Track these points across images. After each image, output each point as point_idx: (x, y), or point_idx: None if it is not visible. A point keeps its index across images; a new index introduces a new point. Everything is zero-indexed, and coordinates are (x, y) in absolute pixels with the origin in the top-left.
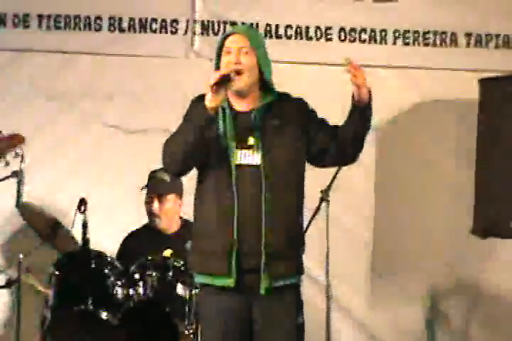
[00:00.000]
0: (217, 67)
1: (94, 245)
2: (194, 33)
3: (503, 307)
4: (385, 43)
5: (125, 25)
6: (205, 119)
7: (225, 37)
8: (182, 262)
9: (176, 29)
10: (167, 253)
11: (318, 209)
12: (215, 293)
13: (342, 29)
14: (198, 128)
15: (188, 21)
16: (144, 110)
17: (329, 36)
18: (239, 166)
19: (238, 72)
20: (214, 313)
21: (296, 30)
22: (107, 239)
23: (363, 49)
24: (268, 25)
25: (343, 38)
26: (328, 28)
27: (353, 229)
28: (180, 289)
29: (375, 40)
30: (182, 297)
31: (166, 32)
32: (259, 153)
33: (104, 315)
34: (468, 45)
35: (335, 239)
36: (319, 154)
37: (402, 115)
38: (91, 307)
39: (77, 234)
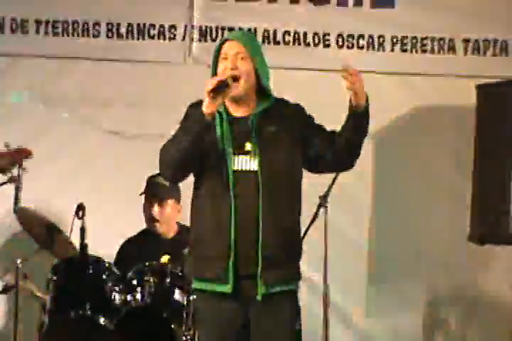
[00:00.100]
0: (214, 73)
1: (92, 250)
2: (192, 39)
3: (501, 313)
4: (383, 49)
5: (123, 31)
6: (201, 125)
7: (222, 43)
8: (179, 268)
9: (174, 35)
10: (164, 259)
11: (316, 215)
12: (212, 298)
13: (340, 35)
14: (194, 134)
15: (185, 27)
16: (141, 116)
17: (327, 42)
18: (236, 172)
19: (235, 78)
20: (211, 319)
21: (294, 36)
22: (104, 245)
23: (361, 55)
24: (266, 31)
25: (340, 44)
26: (326, 34)
27: (351, 236)
28: (177, 295)
29: (373, 47)
30: (179, 303)
31: (164, 38)
32: (256, 158)
33: (101, 320)
34: (465, 51)
35: (333, 246)
36: (316, 160)
37: (399, 121)
38: (88, 313)
39: (75, 239)
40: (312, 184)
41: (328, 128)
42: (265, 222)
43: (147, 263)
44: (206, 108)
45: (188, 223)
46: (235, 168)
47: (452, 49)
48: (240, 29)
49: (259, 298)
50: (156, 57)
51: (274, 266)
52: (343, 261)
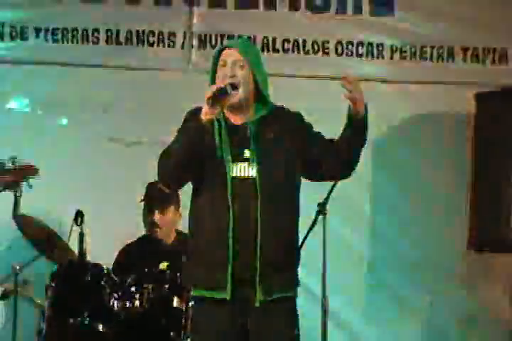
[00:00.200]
0: (213, 81)
1: (91, 257)
2: (191, 46)
3: (500, 322)
4: (382, 57)
5: (122, 38)
6: (199, 132)
7: (220, 50)
8: (178, 275)
9: (174, 42)
10: (163, 266)
11: (315, 222)
12: (211, 305)
13: (339, 43)
14: (192, 142)
15: (185, 34)
16: (140, 122)
17: (326, 50)
18: (234, 179)
19: (234, 86)
20: (209, 326)
21: (293, 44)
22: (103, 251)
23: (360, 63)
24: (265, 38)
25: (340, 51)
26: (325, 42)
27: (349, 243)
28: (176, 302)
29: (372, 54)
30: (178, 309)
31: (164, 45)
32: (254, 165)
33: (100, 327)
34: (464, 59)
35: (332, 253)
36: (315, 168)
37: (398, 129)
38: (87, 319)
39: (74, 246)
40: (311, 191)
41: (327, 136)
42: (264, 229)
43: (146, 270)
44: (205, 115)
45: (186, 230)
46: (234, 175)
47: (451, 57)
48: (239, 36)
49: (257, 304)
50: (156, 64)
51: (272, 272)
52: (341, 268)
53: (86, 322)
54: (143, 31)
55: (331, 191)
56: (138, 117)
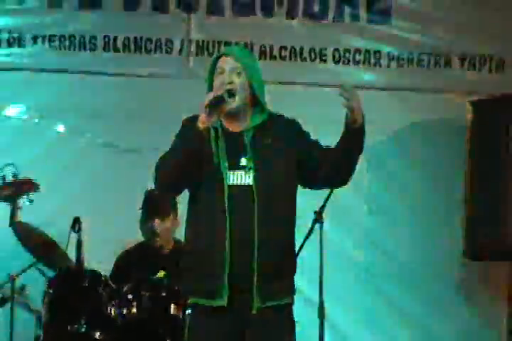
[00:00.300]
0: (210, 88)
1: (88, 264)
2: (189, 53)
3: (497, 329)
4: (380, 65)
5: (120, 44)
6: (196, 140)
7: (217, 58)
8: (175, 282)
9: (171, 49)
10: (160, 273)
11: (311, 230)
12: (208, 313)
13: (336, 50)
14: (189, 150)
15: (182, 41)
16: (137, 129)
17: (324, 57)
18: (231, 186)
19: (231, 93)
20: (207, 333)
21: (290, 51)
22: (101, 258)
23: (357, 70)
24: (263, 45)
25: (337, 59)
26: (322, 49)
27: (346, 250)
28: (173, 309)
29: (369, 62)
30: (175, 317)
31: (161, 52)
32: (251, 173)
33: (97, 334)
34: (461, 67)
35: (328, 260)
36: (311, 175)
37: (395, 137)
38: (84, 326)
39: (72, 253)
40: (307, 199)
41: (325, 143)
42: (260, 236)
43: (143, 278)
44: (202, 123)
45: (182, 237)
46: (231, 182)
47: (448, 65)
48: (237, 44)
49: (254, 312)
50: (153, 71)
51: (269, 279)
52: (338, 275)
53: (83, 329)
54: (140, 38)
55: (327, 199)
56: (135, 124)
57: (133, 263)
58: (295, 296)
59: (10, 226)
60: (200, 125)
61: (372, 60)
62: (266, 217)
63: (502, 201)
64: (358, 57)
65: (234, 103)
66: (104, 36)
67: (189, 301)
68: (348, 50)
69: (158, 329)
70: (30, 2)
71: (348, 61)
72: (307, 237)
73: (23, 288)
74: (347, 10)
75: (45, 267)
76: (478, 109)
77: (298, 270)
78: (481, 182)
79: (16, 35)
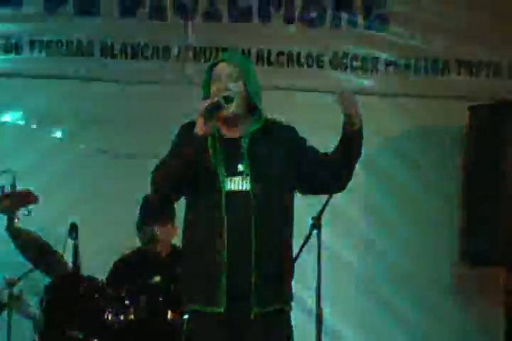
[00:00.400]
0: (206, 94)
1: (85, 270)
2: (186, 60)
3: (490, 332)
4: (377, 71)
5: (117, 50)
6: (193, 146)
7: (214, 64)
8: (173, 287)
9: (169, 55)
10: (156, 279)
11: (309, 235)
12: (205, 319)
13: (333, 56)
14: (186, 156)
15: (180, 48)
16: (135, 135)
17: (321, 63)
18: (228, 193)
19: (228, 100)
20: (204, 339)
21: (287, 57)
22: (97, 264)
23: (355, 76)
24: (260, 51)
25: (334, 65)
26: (319, 55)
27: (344, 257)
28: (170, 315)
29: (367, 68)
30: (173, 323)
31: (158, 58)
32: (248, 179)
33: (94, 340)
34: (459, 73)
35: (326, 266)
36: (308, 181)
37: (392, 143)
38: (81, 332)
39: (68, 258)
40: (305, 205)
41: (322, 149)
42: (258, 243)
43: (140, 283)
44: (199, 130)
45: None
46: (228, 188)
47: (445, 71)
48: (234, 50)
49: (252, 317)
50: (150, 77)
51: (267, 285)
52: (335, 281)
53: (80, 335)
54: (138, 44)
55: (325, 205)
56: (132, 130)
57: (130, 268)
58: (293, 302)
59: (7, 231)
60: (198, 131)
61: (370, 66)
62: (263, 223)
63: (498, 206)
64: (355, 63)
65: (231, 109)
66: (102, 42)
67: (187, 307)
68: (345, 56)
69: (155, 335)
70: (27, 8)
71: (346, 67)
72: (305, 243)
73: (20, 294)
74: (344, 16)
75: (42, 273)
76: (476, 114)
77: (295, 275)
78: (478, 187)
79: (13, 41)
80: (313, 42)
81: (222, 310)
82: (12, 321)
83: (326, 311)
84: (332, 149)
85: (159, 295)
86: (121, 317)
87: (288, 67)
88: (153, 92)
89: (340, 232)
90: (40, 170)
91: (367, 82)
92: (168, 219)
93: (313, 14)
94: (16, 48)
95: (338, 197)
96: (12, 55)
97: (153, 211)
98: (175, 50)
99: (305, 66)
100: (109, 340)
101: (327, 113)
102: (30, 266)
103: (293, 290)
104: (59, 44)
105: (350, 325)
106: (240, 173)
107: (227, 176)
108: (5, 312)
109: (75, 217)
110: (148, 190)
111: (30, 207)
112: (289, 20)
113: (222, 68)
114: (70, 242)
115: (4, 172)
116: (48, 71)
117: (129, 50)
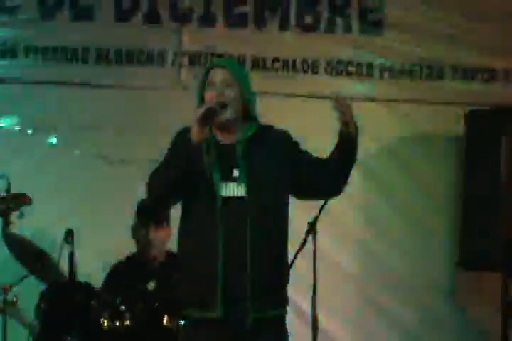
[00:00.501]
0: (201, 100)
1: (81, 276)
2: (181, 65)
3: (488, 337)
4: (372, 76)
5: (112, 56)
6: (189, 153)
7: (208, 70)
8: (168, 293)
9: (164, 61)
10: (151, 285)
11: (305, 241)
12: (202, 325)
13: (329, 62)
14: (182, 162)
15: (175, 53)
16: (130, 141)
17: (316, 69)
18: (223, 198)
19: (222, 105)
20: None
21: (283, 63)
22: (93, 270)
23: (350, 82)
24: (255, 57)
25: (329, 70)
26: (315, 61)
27: (339, 262)
28: (166, 321)
29: (362, 73)
30: (168, 328)
31: (153, 64)
32: (243, 185)
33: None
34: (454, 78)
35: (322, 271)
36: (303, 187)
37: (388, 148)
38: (77, 339)
39: (64, 265)
40: (301, 210)
41: (318, 154)
42: (253, 248)
43: (136, 289)
44: (195, 136)
45: (174, 248)
46: (223, 194)
47: (441, 76)
48: (230, 55)
49: (249, 322)
50: (145, 83)
51: (262, 291)
52: (331, 286)
53: None
54: (133, 50)
55: (321, 210)
56: (127, 136)
57: (125, 274)
58: (288, 307)
59: (2, 237)
60: (193, 137)
61: (365, 72)
62: (259, 228)
63: (495, 212)
64: (350, 68)
65: (226, 115)
66: (97, 48)
67: (183, 313)
68: (340, 62)
69: (151, 340)
70: (23, 14)
71: (341, 72)
72: (300, 248)
73: (15, 300)
74: (339, 22)
75: (37, 279)
76: (474, 119)
77: (291, 281)
78: (475, 193)
79: (8, 47)
80: (309, 48)
81: (218, 315)
82: (7, 327)
83: (321, 317)
84: (327, 155)
85: (155, 302)
86: (117, 323)
87: (283, 72)
88: (148, 98)
89: (336, 238)
90: (34, 176)
91: (362, 88)
92: (163, 219)
93: (309, 20)
94: (12, 54)
95: (333, 203)
96: (7, 61)
97: (147, 214)
98: (170, 56)
99: (300, 72)
100: None
101: (322, 118)
102: (25, 272)
103: (288, 296)
104: (54, 50)
105: (346, 331)
106: (235, 179)
107: (222, 182)
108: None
109: (70, 222)
110: (143, 195)
111: (23, 208)
112: (284, 25)
113: (217, 74)
114: (66, 248)
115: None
116: (43, 77)
117: (124, 55)
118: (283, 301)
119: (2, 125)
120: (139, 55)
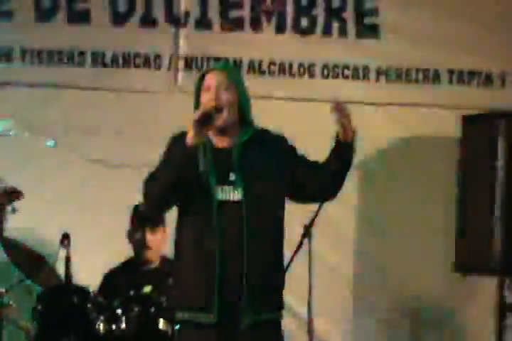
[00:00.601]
0: (197, 104)
1: (77, 280)
2: (177, 69)
3: None
4: (368, 80)
5: (108, 60)
6: (185, 157)
7: (204, 74)
8: (164, 297)
9: (160, 64)
10: (147, 289)
11: (300, 244)
12: (197, 329)
13: (325, 65)
14: (178, 166)
15: (171, 57)
16: (126, 145)
17: (312, 72)
18: (220, 202)
19: (219, 109)
20: None
21: (279, 66)
22: (89, 274)
23: (346, 85)
24: (251, 61)
25: (326, 74)
26: (311, 65)
27: (335, 265)
28: (162, 324)
29: (358, 77)
30: (164, 332)
31: (150, 67)
32: (239, 189)
33: None
34: (450, 82)
35: (317, 275)
36: (299, 190)
37: (384, 152)
38: None
39: (60, 268)
40: (296, 213)
41: (314, 158)
42: (249, 252)
43: (131, 293)
44: (191, 140)
45: (169, 252)
46: (219, 198)
47: (437, 80)
48: (226, 59)
49: (243, 327)
50: (142, 87)
51: (258, 295)
52: (327, 290)
53: None
54: (129, 53)
55: (316, 214)
56: (124, 140)
57: (121, 278)
58: (283, 310)
59: None
60: (189, 141)
61: (361, 75)
62: (255, 232)
63: (492, 215)
64: (346, 72)
65: (222, 119)
66: (93, 51)
67: (178, 316)
68: (336, 65)
69: None
70: (18, 17)
71: (337, 76)
72: (296, 252)
73: (11, 304)
74: (336, 25)
75: (33, 283)
76: (470, 123)
77: (286, 284)
78: (471, 196)
79: (4, 49)
80: (305, 52)
81: (214, 319)
82: (4, 331)
83: (317, 319)
84: (324, 158)
85: (151, 305)
86: (113, 327)
87: (279, 76)
88: (144, 101)
89: (331, 240)
90: (33, 180)
91: (358, 91)
92: (157, 225)
93: (305, 23)
94: (7, 57)
95: (330, 207)
96: (3, 64)
97: (143, 217)
98: (166, 59)
99: (297, 75)
100: None
101: (319, 122)
102: (21, 275)
103: (284, 300)
104: (50, 53)
105: (342, 334)
106: (231, 183)
107: (218, 185)
108: None
109: (66, 226)
110: (139, 199)
111: (15, 203)
112: (280, 29)
113: (213, 78)
114: (62, 252)
115: None
116: (39, 80)
117: (120, 59)
118: (279, 304)
119: None
120: (135, 58)
